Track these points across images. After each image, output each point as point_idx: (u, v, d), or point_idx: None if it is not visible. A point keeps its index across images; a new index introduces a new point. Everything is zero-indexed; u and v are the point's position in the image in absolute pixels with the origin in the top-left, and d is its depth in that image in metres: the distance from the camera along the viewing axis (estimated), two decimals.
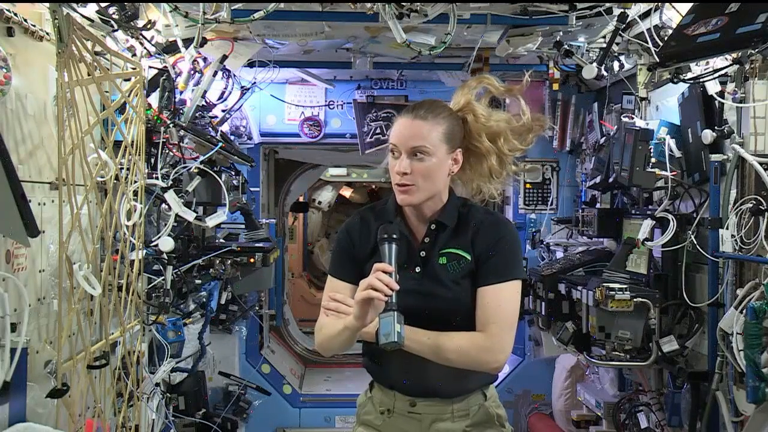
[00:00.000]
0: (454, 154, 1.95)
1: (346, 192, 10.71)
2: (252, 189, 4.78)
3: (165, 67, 3.49)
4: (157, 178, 3.31)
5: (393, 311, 1.75)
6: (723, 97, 2.90)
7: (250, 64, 4.12)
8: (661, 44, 3.11)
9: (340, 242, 2.07)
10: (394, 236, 1.84)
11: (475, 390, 2.03)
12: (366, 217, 2.05)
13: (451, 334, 1.89)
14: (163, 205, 3.39)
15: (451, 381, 1.96)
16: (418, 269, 1.96)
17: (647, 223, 3.30)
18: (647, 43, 3.21)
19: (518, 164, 2.12)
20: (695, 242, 3.10)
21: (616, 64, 3.76)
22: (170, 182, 3.33)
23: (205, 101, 4.00)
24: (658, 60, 2.99)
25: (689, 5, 2.89)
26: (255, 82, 4.39)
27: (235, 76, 4.23)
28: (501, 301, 1.91)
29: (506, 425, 2.09)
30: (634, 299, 3.15)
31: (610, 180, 3.65)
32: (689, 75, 3.10)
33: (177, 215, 3.33)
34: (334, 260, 2.09)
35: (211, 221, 3.53)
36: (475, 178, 2.04)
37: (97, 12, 2.82)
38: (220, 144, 3.67)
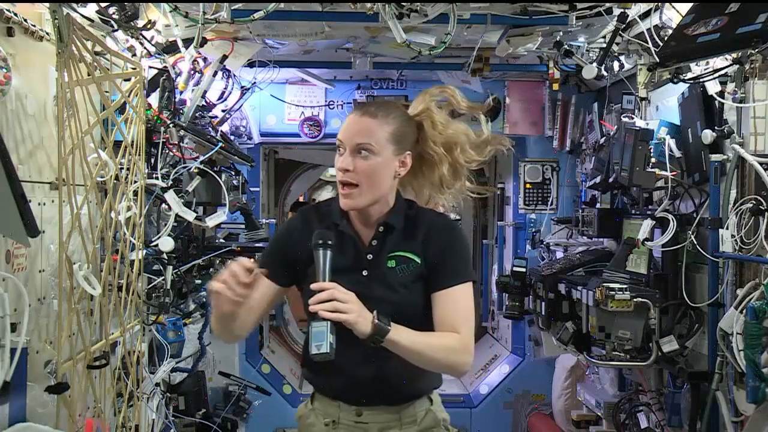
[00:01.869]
0: (402, 157, 1.90)
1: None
2: (252, 189, 4.77)
3: (165, 67, 3.49)
4: (157, 178, 3.31)
5: (326, 321, 1.67)
6: (723, 97, 2.90)
7: (250, 64, 4.11)
8: (661, 44, 3.11)
9: (277, 240, 2.03)
10: (329, 242, 1.77)
11: (422, 395, 1.99)
12: (309, 218, 1.98)
13: (435, 334, 1.86)
14: (163, 205, 3.39)
15: (399, 387, 1.93)
16: (365, 272, 1.90)
17: (647, 223, 3.30)
18: (647, 43, 3.21)
19: (473, 182, 2.09)
20: (695, 242, 3.10)
21: (616, 64, 3.76)
22: (170, 182, 3.33)
23: (205, 101, 3.99)
24: (658, 60, 2.99)
25: (689, 5, 2.88)
26: (255, 82, 4.39)
27: (235, 76, 4.22)
28: (463, 302, 1.89)
29: (450, 429, 2.06)
30: (634, 299, 3.14)
31: (610, 180, 3.65)
32: (689, 75, 3.10)
33: (177, 215, 3.33)
34: (264, 255, 2.06)
35: (211, 221, 3.53)
36: (426, 186, 2.01)
37: (97, 12, 2.82)
38: (220, 144, 3.68)
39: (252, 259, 1.79)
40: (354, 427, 1.95)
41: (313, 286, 1.72)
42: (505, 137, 2.13)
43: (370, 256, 1.92)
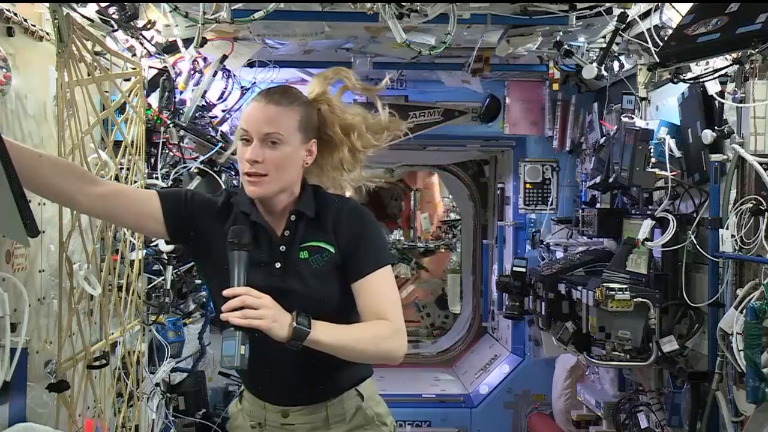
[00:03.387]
0: (308, 145, 1.86)
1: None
2: None
3: (165, 67, 3.50)
4: (157, 178, 3.31)
5: (237, 331, 1.60)
6: (723, 97, 2.90)
7: (250, 64, 4.11)
8: (661, 44, 3.11)
9: (195, 196, 1.91)
10: (245, 242, 1.70)
11: (348, 389, 1.92)
12: (230, 203, 1.89)
13: (361, 325, 1.80)
14: None
15: (320, 384, 1.87)
16: (278, 265, 1.83)
17: (647, 223, 3.30)
18: (647, 43, 3.21)
19: (372, 171, 2.06)
20: (695, 242, 3.10)
21: (616, 64, 3.76)
22: (170, 182, 3.33)
23: (205, 101, 3.99)
24: (658, 60, 2.99)
25: (689, 5, 2.89)
26: (255, 82, 4.38)
27: (235, 76, 4.22)
28: (386, 287, 1.84)
29: (388, 421, 1.99)
30: (634, 299, 3.14)
31: (610, 180, 3.65)
32: (689, 75, 3.10)
33: None
34: (174, 191, 1.95)
35: None
36: (327, 169, 1.95)
37: (97, 12, 2.82)
38: (220, 144, 3.68)
39: None
40: (280, 429, 1.91)
41: (225, 292, 1.64)
42: (401, 122, 2.05)
43: (282, 248, 1.85)
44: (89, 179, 1.82)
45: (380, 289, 1.82)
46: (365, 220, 1.90)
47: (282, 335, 1.64)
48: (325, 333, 1.69)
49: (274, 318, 1.63)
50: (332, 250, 1.84)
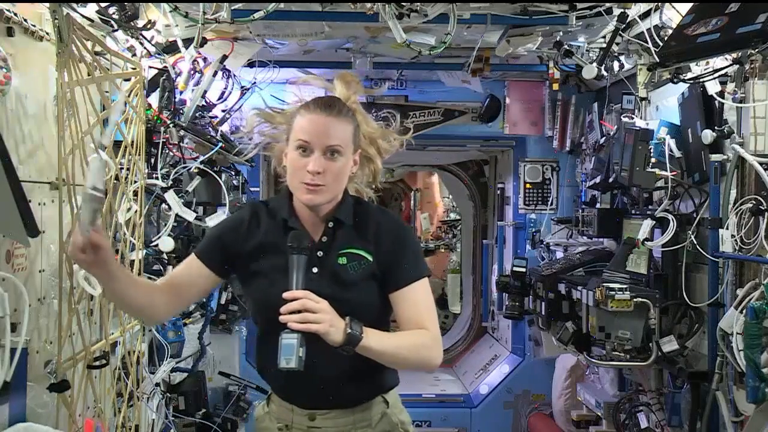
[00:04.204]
0: (355, 155, 1.91)
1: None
2: (252, 189, 4.77)
3: (165, 67, 3.50)
4: (157, 178, 3.31)
5: (297, 333, 1.64)
6: (723, 97, 2.90)
7: (250, 64, 4.11)
8: (661, 44, 3.11)
9: (222, 228, 1.97)
10: (305, 246, 1.76)
11: (375, 397, 1.96)
12: (258, 212, 1.94)
13: (404, 333, 1.85)
14: (163, 205, 3.39)
15: (350, 389, 1.90)
16: (315, 270, 1.86)
17: (647, 223, 3.30)
18: (647, 43, 3.21)
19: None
20: (695, 242, 3.10)
21: (616, 64, 3.76)
22: (170, 182, 3.33)
23: (205, 101, 3.99)
24: (658, 60, 2.99)
25: (689, 5, 2.89)
26: (255, 82, 4.38)
27: (235, 76, 4.22)
28: (424, 298, 1.89)
29: (410, 429, 2.04)
30: (634, 299, 3.14)
31: (610, 180, 3.65)
32: (689, 75, 3.10)
33: (177, 215, 3.33)
34: (205, 241, 1.97)
35: (211, 221, 3.53)
36: (356, 180, 2.00)
37: (97, 12, 2.82)
38: (220, 144, 3.68)
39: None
40: (307, 431, 1.92)
41: (285, 295, 1.68)
42: (389, 131, 2.09)
43: (320, 253, 1.88)
44: (155, 288, 1.89)
45: (420, 300, 1.88)
46: (406, 233, 1.97)
47: (337, 340, 1.69)
48: (374, 340, 1.74)
49: (331, 323, 1.68)
50: (370, 258, 1.88)
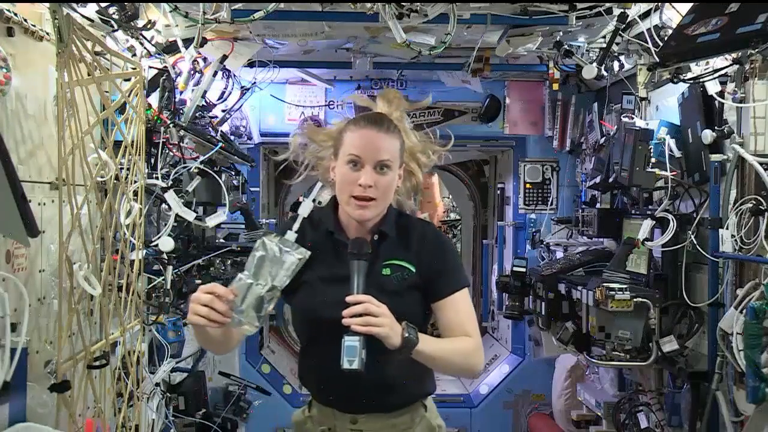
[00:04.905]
0: (401, 170, 1.96)
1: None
2: (252, 189, 4.78)
3: (165, 67, 3.49)
4: (157, 178, 3.31)
5: (359, 335, 1.70)
6: (723, 97, 2.90)
7: (250, 64, 4.11)
8: (661, 44, 3.11)
9: None
10: (365, 253, 1.81)
11: (416, 402, 2.01)
12: (302, 226, 1.98)
13: (451, 340, 1.91)
14: (163, 205, 3.39)
15: (392, 394, 1.94)
16: None
17: (647, 223, 3.30)
18: (647, 43, 3.21)
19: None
20: (695, 242, 3.10)
21: (616, 64, 3.76)
22: (170, 182, 3.33)
23: (205, 101, 3.99)
24: (658, 60, 2.99)
25: (689, 5, 2.89)
26: (255, 82, 4.38)
27: (235, 76, 4.22)
28: (468, 307, 1.97)
29: None
30: (634, 299, 3.14)
31: (610, 180, 3.65)
32: (689, 75, 3.10)
33: (177, 215, 3.33)
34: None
35: (211, 221, 3.53)
36: (398, 193, 2.04)
37: (97, 12, 2.82)
38: (220, 144, 3.67)
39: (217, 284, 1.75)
40: None
41: (349, 298, 1.74)
42: (430, 144, 2.12)
43: None
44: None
45: (462, 308, 1.95)
46: (447, 245, 2.04)
47: (395, 343, 1.75)
48: (427, 344, 1.81)
49: (391, 326, 1.73)
50: (413, 269, 1.93)
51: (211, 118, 4.18)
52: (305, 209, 1.93)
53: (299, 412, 2.10)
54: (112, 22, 2.87)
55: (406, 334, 1.75)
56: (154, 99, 3.50)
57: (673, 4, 3.13)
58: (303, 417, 2.07)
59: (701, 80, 2.99)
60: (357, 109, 4.91)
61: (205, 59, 3.82)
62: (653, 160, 3.28)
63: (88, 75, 2.58)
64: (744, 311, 2.57)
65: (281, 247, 1.78)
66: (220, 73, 3.93)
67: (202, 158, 3.52)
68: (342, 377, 1.74)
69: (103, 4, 2.84)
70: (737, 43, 2.57)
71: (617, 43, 3.54)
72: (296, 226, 1.90)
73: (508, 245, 5.33)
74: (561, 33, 3.51)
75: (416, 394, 2.01)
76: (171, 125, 3.42)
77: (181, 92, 3.66)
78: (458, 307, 1.94)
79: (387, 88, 2.17)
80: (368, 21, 3.14)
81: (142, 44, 3.18)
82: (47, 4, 2.46)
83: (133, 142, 3.05)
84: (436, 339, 1.87)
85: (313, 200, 2.00)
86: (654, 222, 3.30)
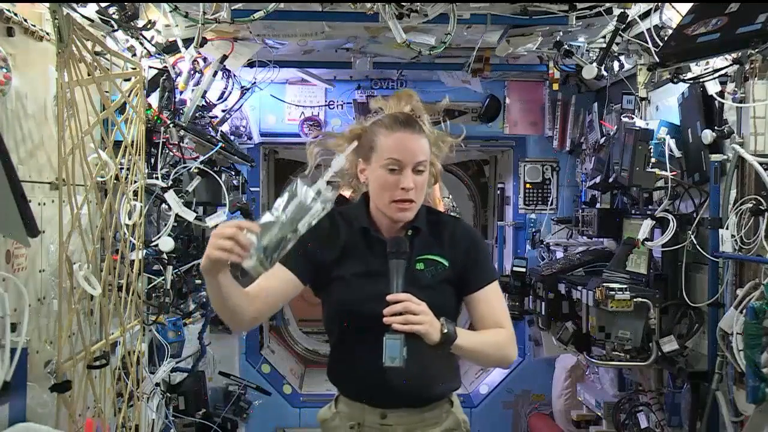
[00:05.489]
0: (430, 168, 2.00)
1: (346, 192, 10.71)
2: (252, 189, 4.78)
3: (165, 67, 3.49)
4: (157, 178, 3.31)
5: (400, 334, 1.73)
6: (723, 97, 2.90)
7: (250, 64, 4.11)
8: (661, 44, 3.11)
9: (304, 236, 1.99)
10: (404, 251, 1.84)
11: (444, 398, 2.04)
12: (337, 221, 2.00)
13: (487, 332, 1.95)
14: (163, 205, 3.39)
15: (423, 388, 1.96)
16: None
17: (647, 223, 3.30)
18: (647, 43, 3.21)
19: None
20: (695, 242, 3.10)
21: (616, 64, 3.76)
22: (170, 182, 3.33)
23: (205, 101, 3.99)
24: (658, 60, 2.99)
25: (689, 5, 2.89)
26: (255, 82, 4.39)
27: (235, 76, 4.22)
28: (500, 299, 2.01)
29: (470, 429, 2.12)
30: (634, 299, 3.14)
31: (610, 180, 3.65)
32: (689, 75, 3.10)
33: (177, 215, 3.33)
34: (289, 251, 2.00)
35: (211, 221, 3.53)
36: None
37: (97, 12, 2.82)
38: (220, 144, 3.68)
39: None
40: (379, 429, 1.98)
41: (389, 297, 1.76)
42: (442, 134, 2.14)
43: None
44: (246, 293, 1.89)
45: (495, 301, 1.99)
46: (479, 239, 2.08)
47: (435, 339, 1.77)
48: (464, 339, 1.84)
49: (431, 323, 1.76)
50: (446, 263, 1.97)
51: (211, 118, 4.18)
52: (337, 164, 1.89)
53: (325, 409, 2.11)
54: (112, 22, 2.87)
55: (445, 330, 1.78)
56: (154, 99, 3.50)
57: (673, 4, 3.12)
58: (330, 414, 2.08)
59: (701, 80, 2.99)
60: (357, 109, 4.93)
61: (205, 59, 3.82)
62: (653, 160, 3.27)
63: (88, 75, 2.58)
64: (744, 311, 2.57)
65: (312, 193, 1.75)
66: (220, 73, 3.93)
67: (202, 158, 3.53)
68: (375, 372, 1.78)
69: (103, 4, 2.84)
70: (737, 43, 2.57)
71: (617, 43, 3.54)
72: (328, 175, 1.86)
73: (508, 245, 5.33)
74: (561, 33, 3.51)
75: (445, 390, 2.04)
76: (171, 125, 3.42)
77: (181, 92, 3.66)
78: (491, 300, 1.98)
79: (405, 89, 2.19)
80: (368, 21, 3.14)
81: (142, 44, 3.18)
82: (47, 4, 2.46)
83: (133, 142, 3.05)
84: (472, 332, 1.92)
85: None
86: (654, 222, 3.30)
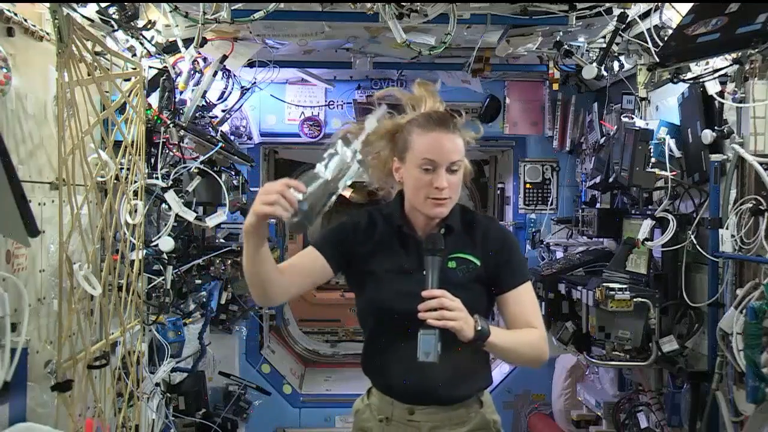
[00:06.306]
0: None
1: (346, 192, 10.70)
2: (252, 189, 4.77)
3: (165, 67, 3.49)
4: (157, 178, 3.31)
5: (435, 329, 1.74)
6: (723, 97, 2.90)
7: (250, 64, 4.12)
8: (661, 44, 3.11)
9: (341, 228, 2.04)
10: (440, 248, 1.85)
11: (472, 396, 2.05)
12: (374, 218, 2.04)
13: (519, 331, 1.96)
14: (163, 205, 3.39)
15: (450, 387, 1.98)
16: (425, 272, 1.96)
17: (647, 223, 3.30)
18: (647, 43, 3.21)
19: None
20: (695, 242, 3.10)
21: (616, 64, 3.76)
22: (170, 182, 3.33)
23: (205, 101, 3.99)
24: (658, 60, 2.99)
25: (689, 5, 2.88)
26: (255, 82, 4.39)
27: (235, 76, 4.23)
28: (531, 299, 2.02)
29: (501, 430, 2.13)
30: (634, 299, 3.14)
31: (610, 180, 3.65)
32: (689, 75, 3.10)
33: (177, 215, 3.33)
34: (323, 236, 2.03)
35: (211, 221, 3.53)
36: None
37: (97, 12, 2.82)
38: (220, 144, 3.68)
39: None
40: (406, 425, 2.00)
41: (424, 293, 1.77)
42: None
43: None
44: (278, 268, 1.92)
45: (527, 300, 2.00)
46: (511, 239, 2.09)
47: (469, 336, 1.79)
48: (497, 336, 1.85)
49: (465, 320, 1.78)
50: (478, 263, 1.98)
51: (211, 118, 4.19)
52: (371, 124, 1.87)
53: (359, 401, 2.14)
54: (112, 22, 2.87)
55: (479, 327, 1.80)
56: (154, 99, 3.50)
57: (673, 4, 3.12)
58: (362, 405, 2.11)
59: (701, 80, 2.99)
60: (357, 108, 4.93)
61: (205, 59, 3.82)
62: (653, 160, 3.28)
63: (88, 75, 2.58)
64: (744, 311, 2.57)
65: (350, 153, 1.76)
66: (220, 73, 3.93)
67: (202, 158, 3.52)
68: (405, 369, 1.81)
69: (103, 4, 2.84)
70: (737, 43, 2.57)
71: (617, 43, 3.54)
72: (363, 136, 1.85)
73: None
74: (561, 33, 3.51)
75: (472, 389, 2.05)
76: (171, 125, 3.42)
77: (181, 92, 3.66)
78: (523, 300, 1.98)
79: (421, 79, 2.17)
80: (368, 21, 3.14)
81: (142, 44, 3.18)
82: (47, 4, 2.46)
83: (133, 142, 3.05)
84: (505, 331, 1.92)
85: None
86: (654, 222, 3.30)
